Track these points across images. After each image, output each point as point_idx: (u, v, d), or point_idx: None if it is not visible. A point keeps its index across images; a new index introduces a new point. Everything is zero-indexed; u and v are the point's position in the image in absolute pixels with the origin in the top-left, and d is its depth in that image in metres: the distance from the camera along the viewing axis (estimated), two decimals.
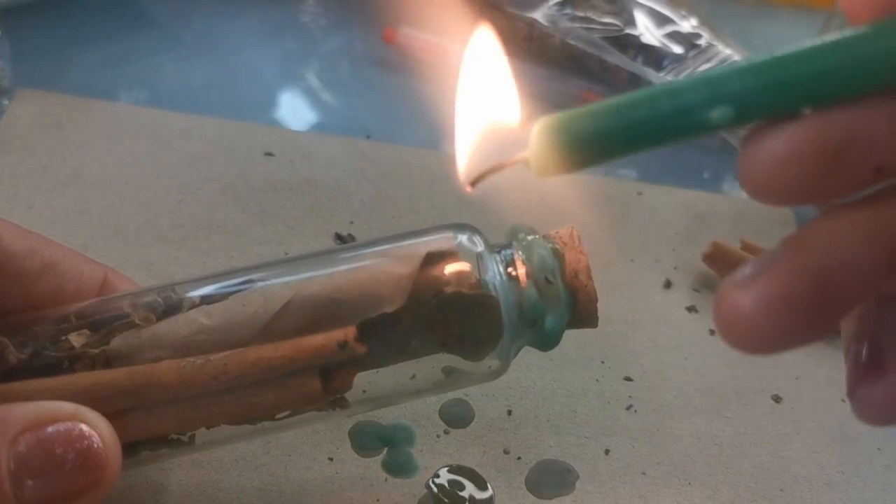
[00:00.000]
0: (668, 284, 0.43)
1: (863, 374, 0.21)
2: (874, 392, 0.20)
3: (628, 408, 0.36)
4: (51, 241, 0.28)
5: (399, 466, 0.32)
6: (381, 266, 0.25)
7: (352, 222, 0.43)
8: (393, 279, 0.25)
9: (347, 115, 0.52)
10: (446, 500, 0.31)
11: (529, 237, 0.25)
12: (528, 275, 0.25)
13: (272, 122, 0.50)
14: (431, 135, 0.49)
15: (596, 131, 0.18)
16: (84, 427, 0.23)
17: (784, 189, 0.18)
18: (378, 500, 0.31)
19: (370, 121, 0.51)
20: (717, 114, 0.18)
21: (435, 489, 0.31)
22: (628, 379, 0.37)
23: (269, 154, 0.46)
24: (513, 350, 0.26)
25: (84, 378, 0.24)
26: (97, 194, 0.42)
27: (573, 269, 0.25)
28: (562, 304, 0.25)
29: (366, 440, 0.33)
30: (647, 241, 0.46)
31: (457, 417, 0.34)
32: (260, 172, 0.45)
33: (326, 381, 0.25)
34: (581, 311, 0.25)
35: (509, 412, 0.35)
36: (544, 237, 0.26)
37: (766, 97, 0.18)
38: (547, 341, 0.25)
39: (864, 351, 0.21)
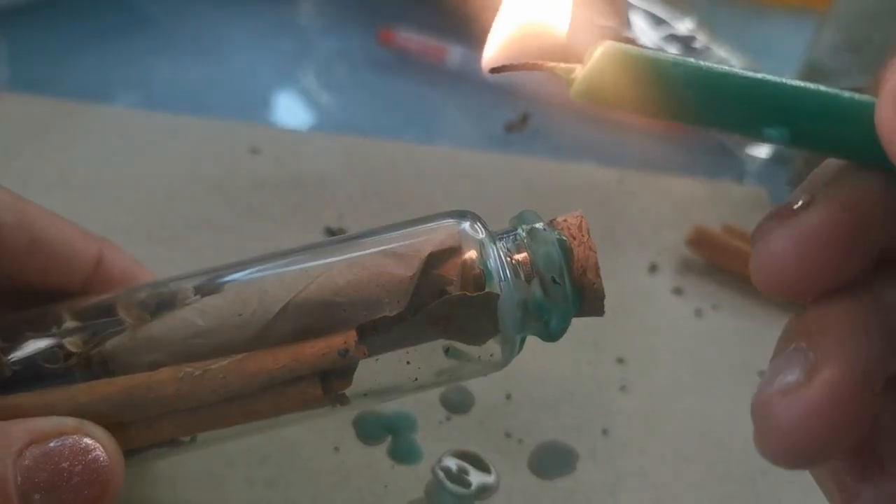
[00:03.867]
0: (653, 268, 0.44)
1: (863, 479, 0.19)
2: (876, 497, 0.19)
3: (622, 388, 0.37)
4: (45, 213, 0.27)
5: (404, 453, 0.33)
6: (382, 267, 0.24)
7: (341, 217, 0.43)
8: (395, 282, 0.24)
9: (343, 116, 0.52)
10: (452, 485, 0.32)
11: (537, 225, 0.24)
12: (534, 272, 0.24)
13: (268, 124, 0.50)
14: (426, 136, 0.50)
15: (673, 82, 0.18)
16: (88, 440, 0.23)
17: (798, 278, 0.18)
18: (386, 487, 0.31)
19: (366, 122, 0.51)
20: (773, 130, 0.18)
21: (441, 474, 0.32)
22: (620, 361, 0.38)
23: (255, 152, 0.46)
24: (517, 341, 0.25)
25: (82, 394, 0.24)
26: (85, 196, 0.42)
27: (581, 266, 0.24)
28: (568, 304, 0.24)
29: (370, 429, 0.33)
30: (630, 226, 0.47)
31: (457, 403, 0.35)
32: (247, 170, 0.45)
33: (326, 383, 0.24)
34: (587, 306, 0.25)
35: (508, 396, 0.35)
36: (551, 224, 0.25)
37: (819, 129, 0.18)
38: (551, 336, 0.25)
39: (860, 454, 0.19)
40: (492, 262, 0.24)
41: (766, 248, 0.18)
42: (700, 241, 0.44)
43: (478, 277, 0.24)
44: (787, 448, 0.17)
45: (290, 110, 0.53)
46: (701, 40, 0.57)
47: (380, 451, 0.33)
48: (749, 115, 0.18)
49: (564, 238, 0.24)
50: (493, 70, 0.20)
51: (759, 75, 0.18)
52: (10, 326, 0.26)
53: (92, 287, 0.28)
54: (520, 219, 0.25)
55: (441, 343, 0.25)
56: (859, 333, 0.18)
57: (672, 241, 0.45)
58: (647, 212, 0.48)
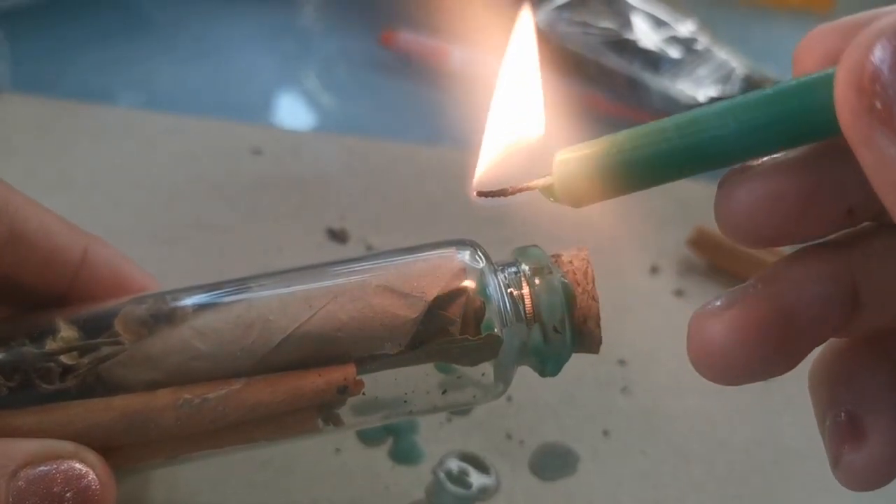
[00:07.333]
0: (654, 270, 0.44)
1: (844, 443, 0.21)
2: (857, 461, 0.20)
3: (623, 390, 0.37)
4: (29, 203, 0.26)
5: (405, 454, 0.33)
6: (387, 306, 0.24)
7: (342, 217, 0.43)
8: (398, 323, 0.24)
9: (344, 117, 0.52)
10: (452, 486, 0.32)
11: (540, 267, 0.24)
12: (535, 316, 0.24)
13: (270, 125, 0.50)
14: (428, 137, 0.49)
15: (634, 161, 0.19)
16: (82, 466, 0.23)
17: (759, 230, 0.19)
18: (387, 488, 0.31)
19: (367, 123, 0.51)
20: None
21: (442, 475, 0.32)
22: (622, 362, 0.38)
23: (256, 152, 0.46)
24: (512, 376, 0.26)
25: (79, 419, 0.24)
26: (86, 196, 0.42)
27: (583, 314, 0.24)
28: (566, 349, 0.25)
29: (371, 430, 0.33)
30: (631, 227, 0.46)
31: None
32: (248, 171, 0.45)
33: (323, 411, 0.25)
34: (583, 348, 0.25)
35: (509, 398, 0.35)
36: (556, 261, 0.25)
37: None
38: (546, 374, 0.25)
39: (843, 420, 0.21)
40: (490, 288, 0.24)
41: (738, 188, 0.19)
42: (701, 242, 0.44)
43: (479, 310, 0.24)
44: (700, 360, 0.20)
45: (292, 111, 0.53)
46: (702, 42, 0.57)
47: (381, 453, 0.32)
48: (710, 151, 0.18)
49: (569, 284, 0.24)
50: (480, 195, 0.22)
51: (691, 113, 0.18)
52: (3, 336, 0.25)
53: (80, 285, 0.27)
54: (525, 255, 0.25)
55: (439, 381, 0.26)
56: (794, 277, 0.19)
57: (673, 243, 0.45)
58: (649, 213, 0.48)
